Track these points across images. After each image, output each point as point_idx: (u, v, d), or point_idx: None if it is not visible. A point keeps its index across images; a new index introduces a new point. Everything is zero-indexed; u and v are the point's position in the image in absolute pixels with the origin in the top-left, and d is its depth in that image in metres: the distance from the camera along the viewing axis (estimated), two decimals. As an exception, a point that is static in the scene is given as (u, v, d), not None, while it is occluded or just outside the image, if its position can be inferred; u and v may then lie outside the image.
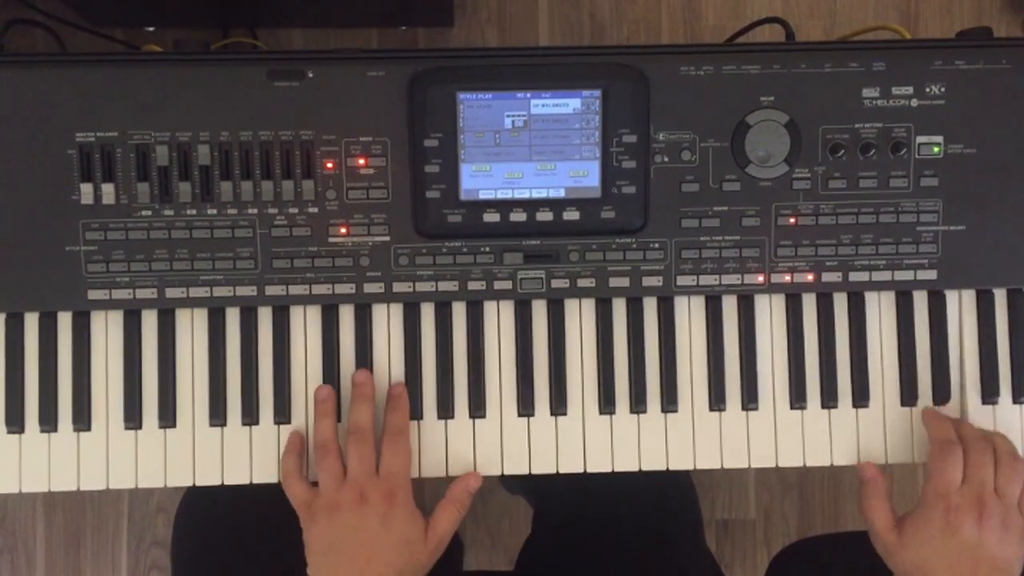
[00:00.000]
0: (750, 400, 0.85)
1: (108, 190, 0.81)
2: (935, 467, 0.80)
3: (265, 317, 0.85)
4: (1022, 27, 1.56)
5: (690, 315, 0.86)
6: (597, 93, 0.81)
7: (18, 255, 0.81)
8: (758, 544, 1.62)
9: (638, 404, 0.85)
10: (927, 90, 0.83)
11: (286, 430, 0.85)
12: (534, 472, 0.86)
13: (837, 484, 1.61)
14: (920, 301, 0.86)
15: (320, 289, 0.83)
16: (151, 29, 1.44)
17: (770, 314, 0.86)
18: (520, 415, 0.85)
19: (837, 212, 0.84)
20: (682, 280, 0.84)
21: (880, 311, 0.86)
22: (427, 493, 1.58)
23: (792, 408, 0.86)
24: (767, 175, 0.83)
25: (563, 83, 0.81)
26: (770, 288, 0.85)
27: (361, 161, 0.82)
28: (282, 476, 0.83)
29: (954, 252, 0.84)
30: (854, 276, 0.85)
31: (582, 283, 0.84)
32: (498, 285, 0.84)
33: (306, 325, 0.85)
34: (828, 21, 1.56)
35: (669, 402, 0.85)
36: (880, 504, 0.82)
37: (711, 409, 0.86)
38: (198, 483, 0.84)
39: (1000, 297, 0.87)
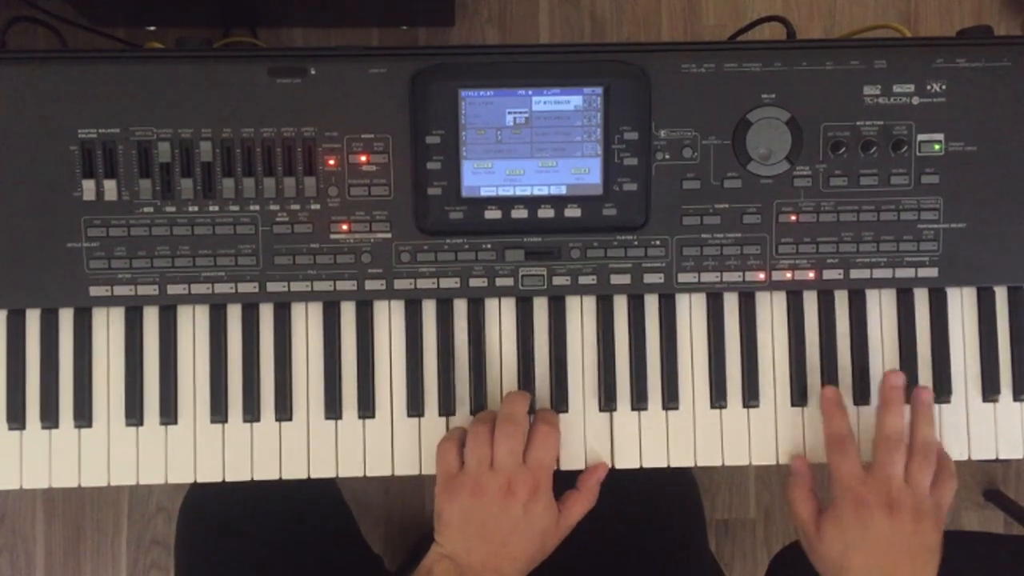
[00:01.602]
0: (751, 397, 0.85)
1: (110, 186, 0.81)
2: (831, 464, 0.82)
3: (267, 314, 0.85)
4: (1021, 27, 1.56)
5: (691, 312, 0.86)
6: (599, 90, 0.81)
7: (20, 252, 0.81)
8: (758, 544, 1.62)
9: (639, 401, 0.85)
10: (928, 88, 0.83)
11: (287, 427, 0.85)
12: (535, 469, 0.85)
13: (837, 484, 1.61)
14: (921, 299, 0.87)
15: (322, 286, 0.83)
16: (152, 28, 1.44)
17: (771, 311, 0.86)
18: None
19: (838, 209, 0.84)
20: (683, 277, 0.84)
21: (881, 309, 0.87)
22: (426, 492, 1.58)
23: (793, 406, 0.86)
24: (768, 172, 0.83)
25: (565, 80, 0.81)
26: (771, 285, 0.85)
27: (363, 158, 0.82)
28: (442, 440, 0.83)
29: (955, 250, 0.84)
30: (855, 273, 0.85)
31: (583, 280, 0.84)
32: (499, 282, 0.84)
33: (308, 322, 0.85)
34: (828, 21, 1.57)
35: (670, 399, 0.86)
36: (804, 495, 0.83)
37: (712, 406, 0.86)
38: (199, 480, 0.84)
39: (1001, 295, 0.87)
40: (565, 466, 0.85)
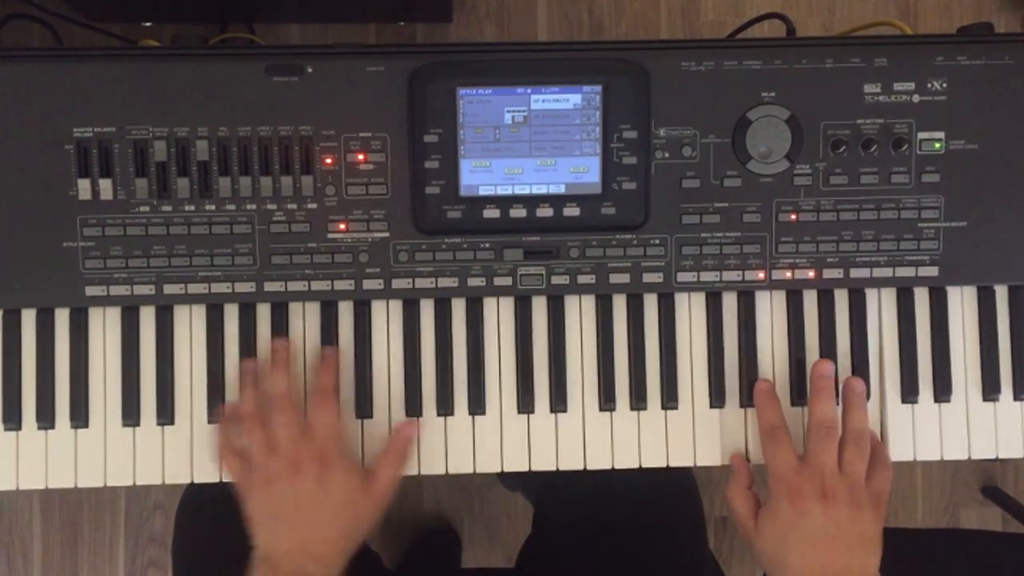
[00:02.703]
0: (750, 397, 0.85)
1: (106, 186, 0.81)
2: (766, 455, 0.82)
3: (264, 314, 0.84)
4: (1021, 22, 1.56)
5: (690, 312, 0.86)
6: (598, 88, 0.81)
7: (15, 251, 0.81)
8: (756, 541, 1.62)
9: (638, 401, 0.85)
10: (929, 86, 0.82)
11: (285, 427, 0.84)
12: (534, 469, 0.85)
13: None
14: (921, 298, 0.86)
15: (319, 285, 0.83)
16: (148, 24, 1.43)
17: (771, 311, 0.86)
18: (520, 412, 0.85)
19: (838, 208, 0.83)
20: (683, 276, 0.84)
21: (881, 308, 0.86)
22: (425, 492, 1.58)
23: (793, 405, 0.86)
24: (768, 171, 0.83)
25: (563, 78, 0.81)
26: (771, 285, 0.85)
27: (360, 157, 0.82)
28: (218, 450, 0.82)
29: (955, 248, 0.84)
30: (855, 273, 0.84)
31: (582, 279, 0.84)
32: (498, 281, 0.84)
33: (305, 321, 0.85)
34: (827, 17, 1.56)
35: (669, 399, 0.85)
36: (742, 492, 0.83)
37: (711, 406, 0.86)
38: (196, 480, 0.84)
39: (1001, 294, 0.86)
40: (564, 466, 0.85)
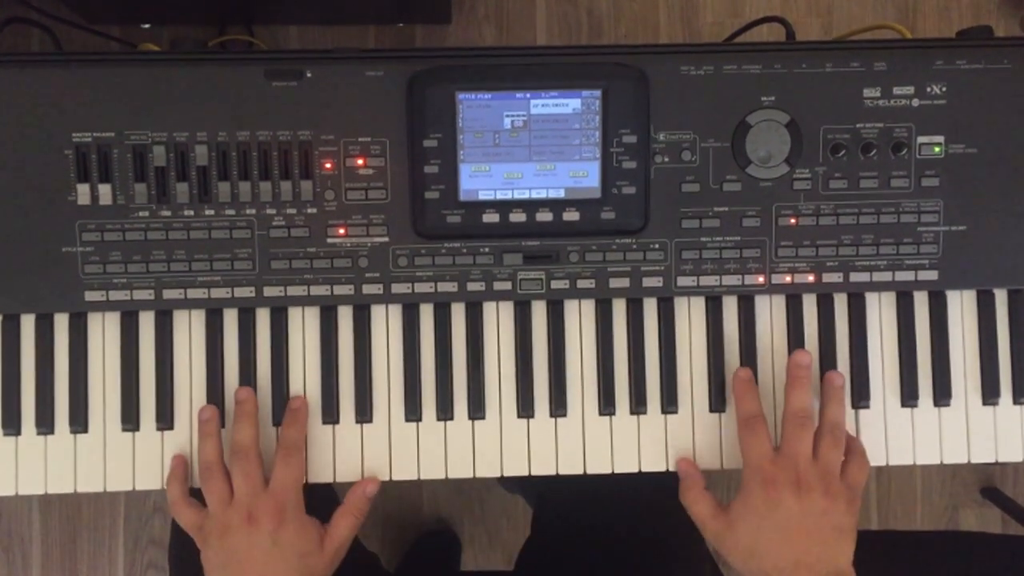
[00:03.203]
0: (750, 401, 0.85)
1: (105, 191, 0.81)
2: (742, 445, 0.81)
3: (263, 318, 0.84)
4: (1020, 25, 1.56)
5: (690, 316, 0.86)
6: (597, 93, 0.81)
7: (14, 256, 0.81)
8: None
9: (638, 405, 0.85)
10: (928, 90, 0.82)
11: (284, 432, 0.84)
12: (534, 473, 0.85)
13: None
14: (921, 302, 0.86)
15: (318, 290, 0.83)
16: (147, 26, 1.43)
17: (770, 315, 0.86)
18: (520, 416, 0.85)
19: (838, 212, 0.83)
20: (682, 281, 0.84)
21: (881, 312, 0.86)
22: (424, 494, 1.58)
23: (792, 409, 0.86)
24: (768, 175, 0.83)
25: (563, 83, 0.81)
26: (770, 289, 0.85)
27: (360, 161, 0.82)
28: (169, 504, 0.82)
29: (955, 252, 0.84)
30: (855, 277, 0.84)
31: (582, 284, 0.84)
32: (497, 286, 0.84)
33: (304, 327, 0.85)
34: (826, 19, 1.56)
35: (669, 403, 0.85)
36: (700, 495, 0.83)
37: (711, 410, 0.86)
38: (196, 485, 0.84)
39: (1001, 298, 0.86)
40: (563, 471, 0.85)
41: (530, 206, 0.82)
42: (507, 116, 0.81)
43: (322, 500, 1.07)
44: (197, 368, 0.84)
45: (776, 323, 0.86)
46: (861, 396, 0.86)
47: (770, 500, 0.77)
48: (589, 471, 0.86)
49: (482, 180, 0.82)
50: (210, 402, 0.84)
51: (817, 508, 0.77)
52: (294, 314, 0.84)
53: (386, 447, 0.85)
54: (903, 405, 0.86)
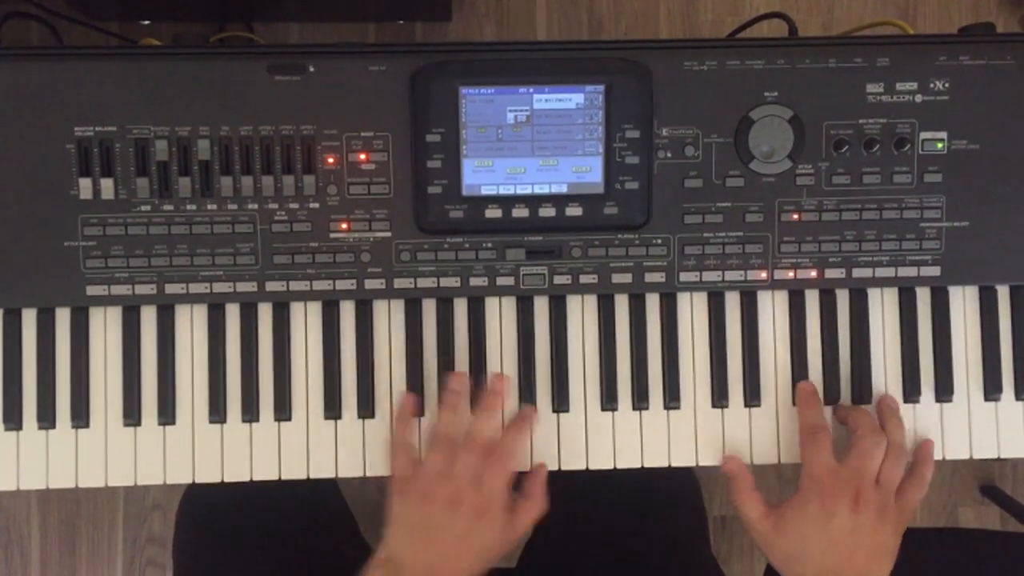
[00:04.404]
0: (752, 397, 0.85)
1: (107, 185, 0.80)
2: (805, 454, 0.82)
3: (265, 313, 0.84)
4: (1020, 22, 1.56)
5: (693, 312, 0.86)
6: (600, 88, 0.81)
7: (16, 251, 0.80)
8: (756, 540, 1.62)
9: (640, 401, 0.85)
10: (931, 86, 0.82)
11: (286, 427, 0.84)
12: (536, 469, 0.85)
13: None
14: (923, 297, 0.86)
15: (321, 285, 0.83)
16: (147, 23, 1.43)
17: (773, 311, 0.86)
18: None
19: (840, 208, 0.83)
20: (685, 276, 0.84)
21: (883, 308, 0.86)
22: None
23: (794, 405, 0.86)
24: (770, 171, 0.83)
25: (566, 78, 0.81)
26: (773, 284, 0.85)
27: (362, 156, 0.81)
28: (392, 443, 0.83)
29: (957, 248, 0.84)
30: (857, 272, 0.84)
31: (584, 279, 0.84)
32: (500, 281, 0.84)
33: (307, 321, 0.84)
34: (826, 16, 1.56)
35: (671, 399, 0.85)
36: (751, 495, 0.83)
37: (713, 406, 0.86)
38: (198, 480, 0.84)
39: (1003, 294, 0.86)
40: (566, 466, 0.85)
41: (533, 201, 0.82)
42: (510, 111, 0.81)
43: (325, 496, 1.08)
44: (199, 363, 0.84)
45: (778, 319, 0.86)
46: (863, 392, 0.86)
47: (826, 511, 0.78)
48: (591, 467, 0.86)
49: (485, 175, 0.82)
50: (211, 400, 0.83)
51: (869, 526, 0.78)
52: (296, 309, 0.84)
53: (387, 442, 0.84)
54: (905, 401, 0.86)
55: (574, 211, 0.82)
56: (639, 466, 0.86)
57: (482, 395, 0.82)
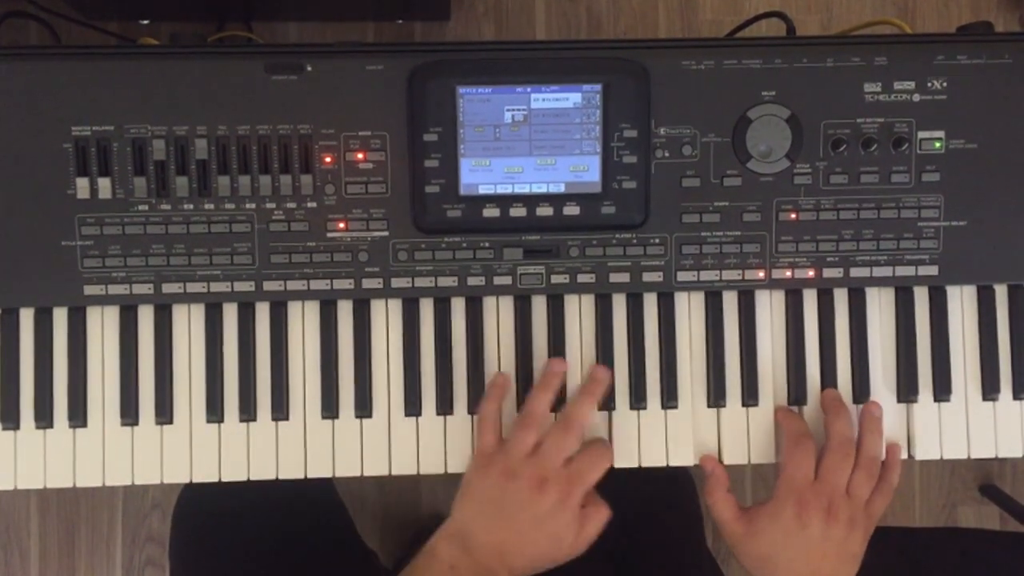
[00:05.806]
0: (750, 396, 0.85)
1: (104, 184, 0.80)
2: (788, 461, 0.82)
3: (263, 313, 0.84)
4: (1019, 21, 1.56)
5: (690, 311, 0.86)
6: (598, 87, 0.81)
7: (13, 250, 0.80)
8: (754, 539, 1.62)
9: (638, 400, 0.85)
10: (929, 85, 0.82)
11: (284, 427, 0.84)
12: (534, 468, 0.85)
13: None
14: (921, 297, 0.86)
15: (318, 284, 0.83)
16: (145, 22, 1.43)
17: (770, 310, 0.86)
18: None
19: (838, 207, 0.83)
20: (682, 276, 0.84)
21: (881, 307, 0.86)
22: (422, 487, 1.58)
23: (792, 405, 0.86)
24: (768, 170, 0.83)
25: (564, 77, 0.81)
26: (771, 284, 0.85)
27: (360, 155, 0.81)
28: (479, 418, 0.82)
29: (955, 248, 0.84)
30: (855, 272, 0.84)
31: (582, 278, 0.84)
32: (498, 280, 0.83)
33: (304, 321, 0.84)
34: (825, 15, 1.56)
35: (669, 398, 0.85)
36: (725, 496, 0.84)
37: (711, 405, 0.86)
38: (195, 480, 0.84)
39: (1001, 293, 0.86)
40: (564, 465, 0.85)
41: (530, 200, 0.82)
42: (508, 110, 0.81)
43: (322, 496, 1.08)
44: (196, 363, 0.84)
45: (776, 318, 0.86)
46: (860, 392, 0.86)
47: (800, 520, 0.79)
48: (589, 466, 0.85)
49: (482, 174, 0.82)
50: (209, 399, 0.83)
51: (839, 536, 0.79)
52: (294, 308, 0.84)
53: (386, 442, 0.85)
54: (903, 400, 0.86)
55: (572, 210, 0.82)
56: (636, 466, 0.85)
57: (586, 383, 0.83)
